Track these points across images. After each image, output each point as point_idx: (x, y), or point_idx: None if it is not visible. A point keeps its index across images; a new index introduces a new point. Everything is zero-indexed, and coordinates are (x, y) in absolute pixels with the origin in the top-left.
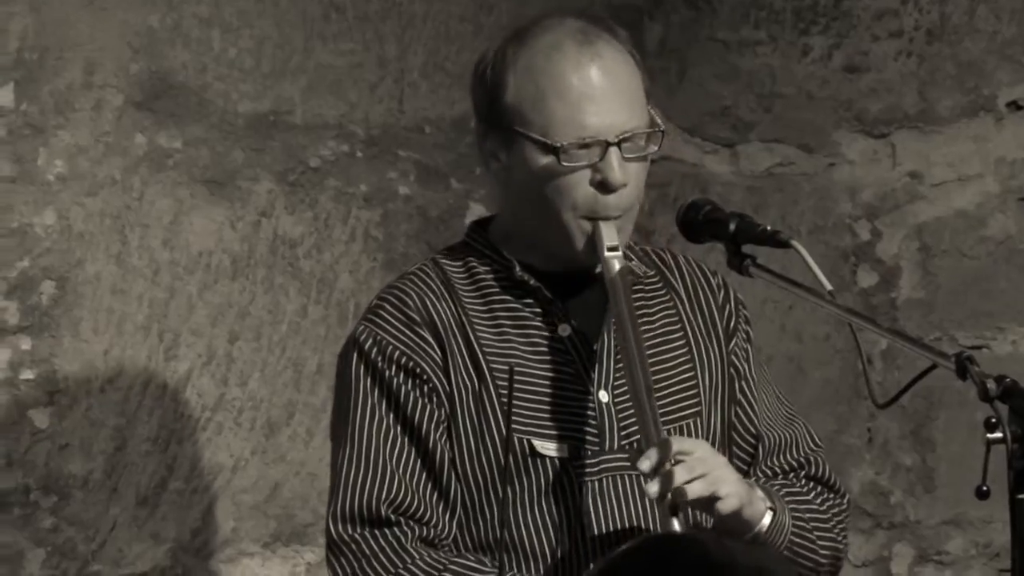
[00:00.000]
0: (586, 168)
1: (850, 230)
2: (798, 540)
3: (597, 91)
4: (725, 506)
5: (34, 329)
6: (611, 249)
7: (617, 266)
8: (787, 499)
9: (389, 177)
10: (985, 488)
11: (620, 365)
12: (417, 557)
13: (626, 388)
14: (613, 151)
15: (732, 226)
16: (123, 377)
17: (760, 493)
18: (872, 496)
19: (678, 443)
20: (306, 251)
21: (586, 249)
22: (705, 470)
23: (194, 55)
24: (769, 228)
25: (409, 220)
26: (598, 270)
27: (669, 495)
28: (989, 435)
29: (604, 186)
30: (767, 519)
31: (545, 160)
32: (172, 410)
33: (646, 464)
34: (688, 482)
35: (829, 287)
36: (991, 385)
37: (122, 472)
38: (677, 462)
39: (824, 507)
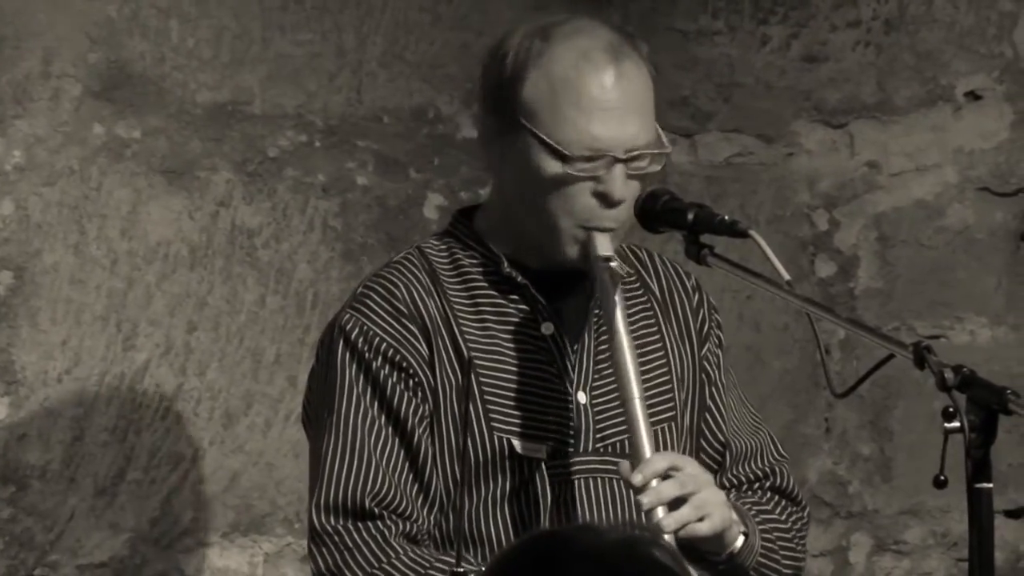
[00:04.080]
0: (590, 179)
1: (808, 220)
2: (764, 561)
3: (614, 106)
4: (706, 527)
5: None
6: (605, 259)
7: (611, 277)
8: (756, 519)
9: (347, 167)
10: (943, 478)
11: (600, 367)
12: (401, 552)
13: (604, 390)
14: (619, 167)
15: (690, 216)
16: (81, 367)
17: (735, 516)
18: (830, 486)
19: (669, 458)
20: (264, 241)
21: (578, 256)
22: (694, 488)
23: (152, 45)
24: (727, 218)
25: (368, 210)
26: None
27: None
28: (947, 424)
29: (605, 199)
30: (739, 542)
31: (551, 164)
32: (130, 400)
33: (638, 478)
34: (675, 502)
35: (787, 277)
36: (949, 375)
37: (80, 462)
38: (667, 477)
39: (788, 523)
